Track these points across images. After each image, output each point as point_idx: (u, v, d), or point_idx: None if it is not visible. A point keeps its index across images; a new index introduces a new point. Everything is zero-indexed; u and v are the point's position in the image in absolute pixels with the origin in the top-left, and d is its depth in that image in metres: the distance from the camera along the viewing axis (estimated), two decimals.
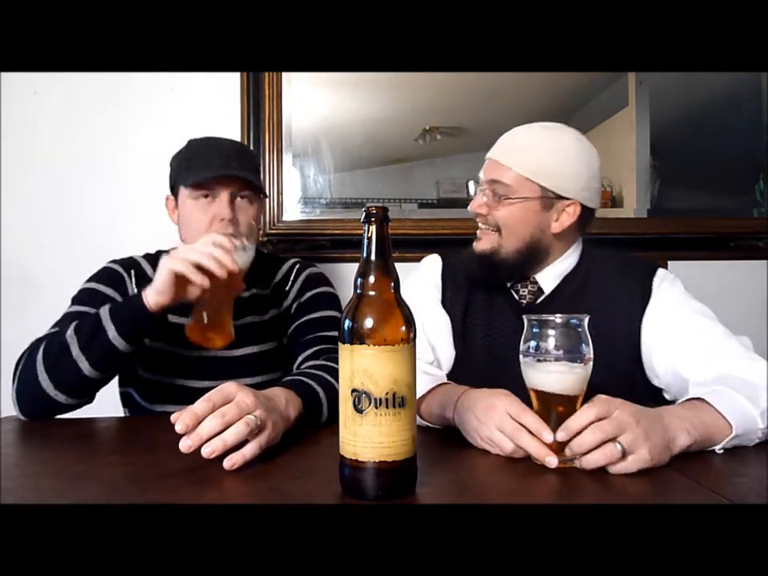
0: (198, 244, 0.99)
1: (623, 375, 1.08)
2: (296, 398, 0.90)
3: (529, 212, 1.08)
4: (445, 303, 1.18)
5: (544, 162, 1.06)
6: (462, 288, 1.18)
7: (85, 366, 0.97)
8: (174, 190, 1.23)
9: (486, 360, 1.13)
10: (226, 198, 1.16)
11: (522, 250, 1.09)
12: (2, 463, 0.80)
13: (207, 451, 0.73)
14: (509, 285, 1.16)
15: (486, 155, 1.14)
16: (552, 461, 0.75)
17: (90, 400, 1.05)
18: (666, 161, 1.81)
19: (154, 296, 0.97)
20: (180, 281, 0.97)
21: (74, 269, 1.31)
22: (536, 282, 1.14)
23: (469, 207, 1.14)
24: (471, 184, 1.18)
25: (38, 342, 1.03)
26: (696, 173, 1.83)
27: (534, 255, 1.11)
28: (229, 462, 0.74)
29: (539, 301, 1.13)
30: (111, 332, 0.97)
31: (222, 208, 1.15)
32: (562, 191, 1.07)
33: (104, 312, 0.99)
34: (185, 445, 0.73)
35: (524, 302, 1.14)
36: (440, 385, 0.98)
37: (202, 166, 1.16)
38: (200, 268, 0.95)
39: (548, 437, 0.75)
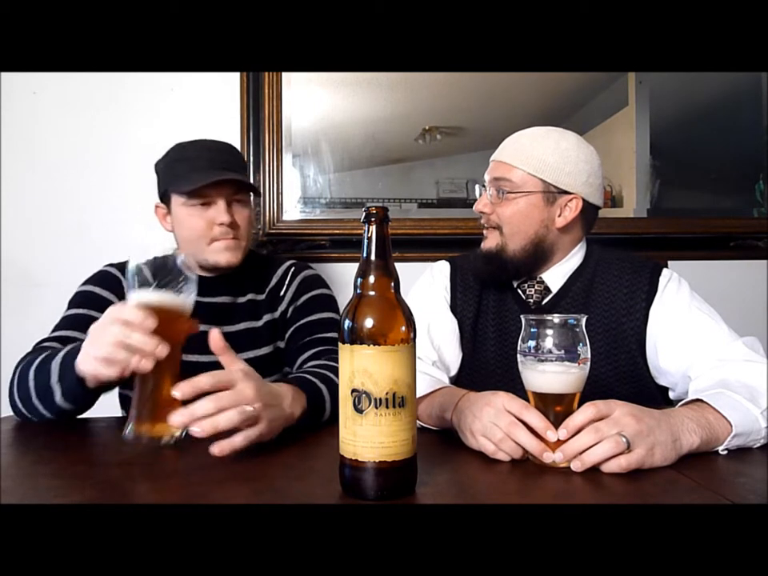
0: (103, 327, 0.80)
1: (631, 373, 1.09)
2: (301, 395, 0.90)
3: (532, 208, 1.10)
4: (455, 306, 1.19)
5: (547, 158, 1.09)
6: (472, 290, 1.19)
7: (45, 411, 0.95)
8: (164, 197, 1.21)
9: (497, 360, 1.14)
10: (223, 204, 1.15)
11: (527, 247, 1.11)
12: (1, 463, 0.80)
13: (196, 430, 0.74)
14: (516, 285, 1.16)
15: (491, 158, 1.16)
16: (549, 456, 0.75)
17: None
18: (666, 161, 1.81)
19: (88, 377, 0.87)
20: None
21: (74, 269, 1.31)
22: (543, 282, 1.15)
23: (474, 207, 1.16)
24: (477, 186, 1.19)
25: (22, 360, 1.01)
26: (696, 173, 1.83)
27: (540, 253, 1.12)
28: (217, 448, 0.75)
29: (546, 300, 1.14)
30: (57, 396, 0.92)
31: (220, 213, 1.14)
32: (564, 185, 1.09)
33: (55, 365, 0.91)
34: (176, 419, 0.74)
35: (531, 301, 1.14)
36: (441, 388, 0.98)
37: (194, 172, 1.14)
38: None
39: (552, 435, 0.75)
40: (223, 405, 0.75)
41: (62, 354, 0.92)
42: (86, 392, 0.90)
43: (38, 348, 1.07)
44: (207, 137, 1.24)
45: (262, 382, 0.81)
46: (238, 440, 0.76)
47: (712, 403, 0.82)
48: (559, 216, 1.10)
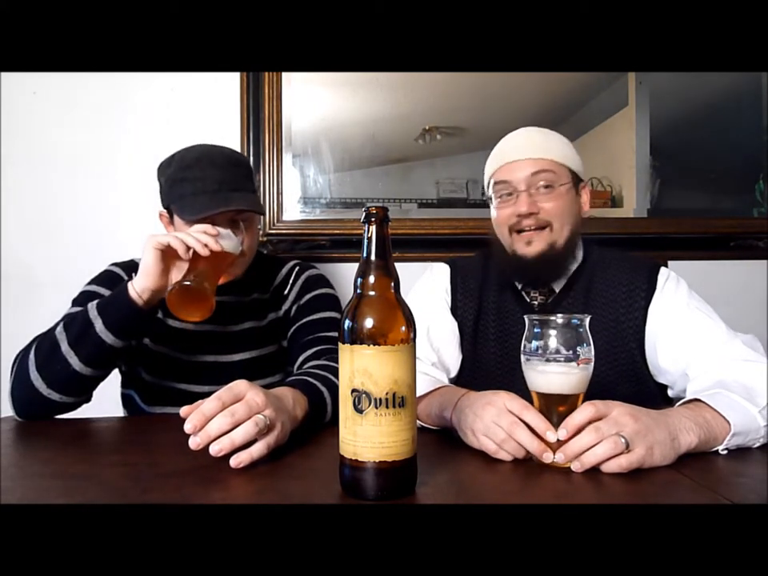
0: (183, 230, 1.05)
1: (631, 372, 1.09)
2: (302, 397, 0.90)
3: (569, 198, 1.12)
4: (455, 309, 1.19)
5: (564, 148, 1.13)
6: (473, 292, 1.19)
7: (74, 361, 0.97)
8: (168, 208, 1.19)
9: (498, 361, 1.15)
10: (227, 226, 1.11)
11: (571, 238, 1.12)
12: (1, 463, 0.80)
13: (215, 449, 0.73)
14: (520, 287, 1.16)
15: (508, 159, 1.11)
16: (549, 456, 0.75)
17: (87, 399, 1.05)
18: (666, 161, 1.81)
19: (141, 280, 0.99)
20: (165, 260, 1.00)
21: (74, 269, 1.31)
22: (547, 282, 1.14)
23: (521, 209, 1.08)
24: (492, 196, 1.15)
25: (33, 341, 1.03)
26: (696, 173, 1.83)
27: (573, 246, 1.14)
28: (236, 461, 0.74)
29: (550, 301, 1.14)
30: (98, 325, 0.97)
31: None
32: (581, 173, 1.15)
33: (91, 306, 1.00)
34: (194, 443, 0.73)
35: (535, 303, 1.14)
36: (440, 387, 0.98)
37: (199, 195, 1.11)
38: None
39: (552, 436, 0.75)
40: (238, 419, 0.74)
41: (90, 304, 1.01)
42: (131, 314, 0.99)
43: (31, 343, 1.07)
44: (208, 138, 1.23)
45: (265, 389, 0.81)
46: (255, 450, 0.76)
47: (710, 403, 0.82)
48: (584, 203, 1.15)
